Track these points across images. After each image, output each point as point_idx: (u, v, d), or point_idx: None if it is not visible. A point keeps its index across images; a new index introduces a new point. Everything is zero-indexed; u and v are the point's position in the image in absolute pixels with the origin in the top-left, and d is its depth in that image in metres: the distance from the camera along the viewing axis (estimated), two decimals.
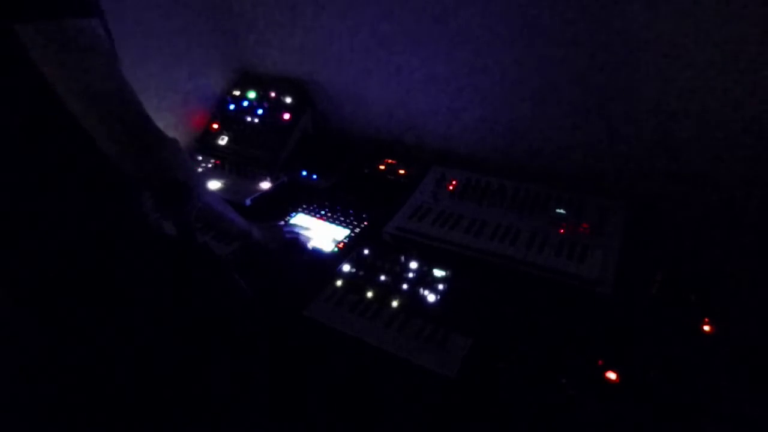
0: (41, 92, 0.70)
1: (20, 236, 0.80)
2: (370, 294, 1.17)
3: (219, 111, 1.92)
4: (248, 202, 1.54)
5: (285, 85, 1.88)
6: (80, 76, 0.70)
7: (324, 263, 1.28)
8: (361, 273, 1.23)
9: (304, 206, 1.53)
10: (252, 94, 1.89)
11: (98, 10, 0.72)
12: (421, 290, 1.16)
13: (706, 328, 1.05)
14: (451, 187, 1.50)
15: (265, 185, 1.63)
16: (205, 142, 1.87)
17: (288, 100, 1.84)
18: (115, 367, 0.95)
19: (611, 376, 0.94)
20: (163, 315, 1.05)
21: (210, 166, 1.76)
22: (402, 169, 1.68)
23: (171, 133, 0.85)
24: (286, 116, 1.81)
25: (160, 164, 0.85)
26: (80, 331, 0.89)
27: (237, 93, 1.93)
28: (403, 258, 1.26)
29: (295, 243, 1.33)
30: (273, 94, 1.87)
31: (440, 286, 1.17)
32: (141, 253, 0.97)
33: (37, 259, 0.82)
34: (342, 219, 1.46)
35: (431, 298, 1.15)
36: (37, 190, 0.79)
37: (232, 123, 1.87)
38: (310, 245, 1.35)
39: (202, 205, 0.97)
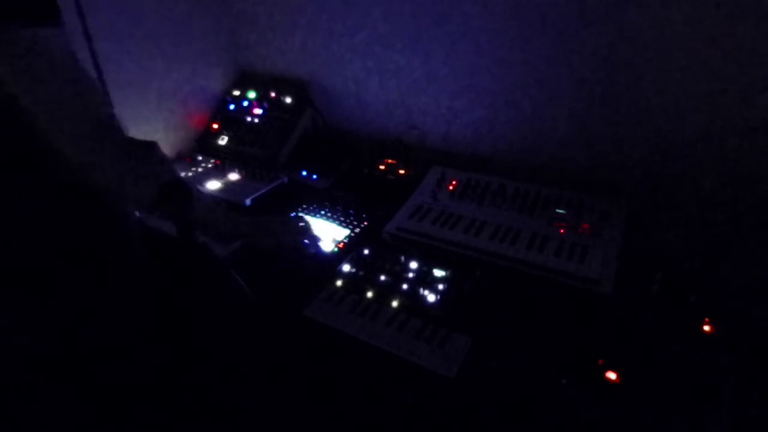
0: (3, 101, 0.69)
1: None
2: (370, 294, 1.17)
3: (219, 111, 1.92)
4: (248, 202, 1.54)
5: (285, 85, 1.88)
6: (45, 86, 0.69)
7: (324, 263, 1.28)
8: (361, 273, 1.23)
9: (304, 206, 1.53)
10: (252, 94, 1.89)
11: (58, 19, 0.70)
12: (421, 290, 1.16)
13: (706, 328, 1.05)
14: (451, 187, 1.50)
15: (265, 185, 1.63)
16: (205, 142, 1.87)
17: (288, 100, 1.84)
18: (113, 368, 0.95)
19: (611, 376, 0.94)
20: (162, 315, 1.05)
21: (210, 166, 1.76)
22: (402, 169, 1.68)
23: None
24: (286, 116, 1.81)
25: (148, 166, 0.84)
26: (72, 331, 0.89)
27: (237, 93, 1.93)
28: (403, 258, 1.26)
29: (301, 245, 1.32)
30: (273, 94, 1.87)
31: (440, 286, 1.17)
32: (131, 254, 0.97)
33: (20, 269, 0.81)
34: (342, 219, 1.46)
35: (431, 298, 1.15)
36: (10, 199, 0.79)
37: (232, 123, 1.87)
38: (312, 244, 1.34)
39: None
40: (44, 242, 0.82)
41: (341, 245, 1.35)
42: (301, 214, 1.45)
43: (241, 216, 1.21)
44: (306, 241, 1.31)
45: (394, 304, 1.14)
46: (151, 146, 1.03)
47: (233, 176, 1.69)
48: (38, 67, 0.69)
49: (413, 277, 1.21)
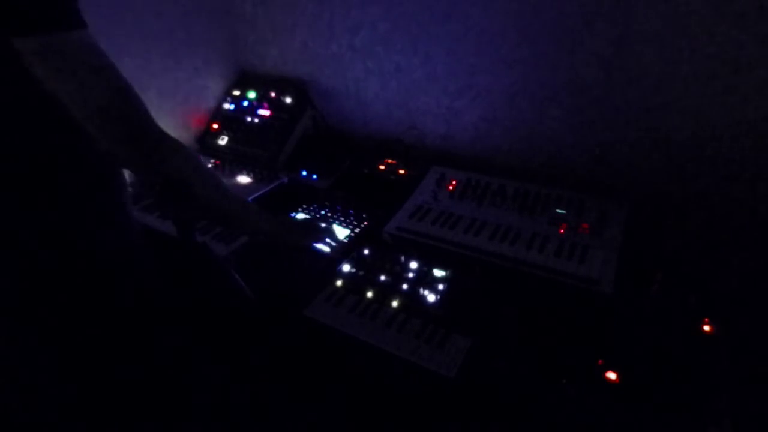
0: (33, 97, 0.70)
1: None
2: (370, 294, 1.17)
3: (219, 111, 1.92)
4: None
5: (285, 85, 1.88)
6: (85, 89, 0.71)
7: (324, 263, 1.28)
8: (361, 273, 1.23)
9: (304, 206, 1.53)
10: (252, 94, 1.89)
11: (83, 21, 0.73)
12: (421, 290, 1.16)
13: (706, 328, 1.05)
14: (451, 187, 1.50)
15: (265, 185, 1.63)
16: (205, 142, 1.87)
17: (288, 100, 1.83)
18: (111, 367, 0.95)
19: (611, 376, 0.94)
20: (161, 315, 1.05)
21: (210, 166, 1.76)
22: (402, 169, 1.68)
23: (171, 133, 0.85)
24: (286, 116, 1.81)
25: (159, 164, 0.85)
26: (70, 331, 0.88)
27: (237, 93, 1.93)
28: (403, 258, 1.26)
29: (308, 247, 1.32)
30: (273, 94, 1.87)
31: (440, 286, 1.17)
32: (131, 252, 0.97)
33: (18, 260, 0.82)
34: (342, 219, 1.46)
35: (431, 298, 1.15)
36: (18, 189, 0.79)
37: (232, 123, 1.86)
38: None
39: (205, 205, 0.97)
40: (45, 239, 0.82)
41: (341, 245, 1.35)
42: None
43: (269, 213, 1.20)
44: (329, 242, 1.32)
45: (394, 304, 1.14)
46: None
47: (233, 176, 1.69)
48: (83, 72, 0.70)
49: (413, 277, 1.21)
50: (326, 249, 1.31)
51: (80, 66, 0.70)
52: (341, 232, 1.39)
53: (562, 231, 1.28)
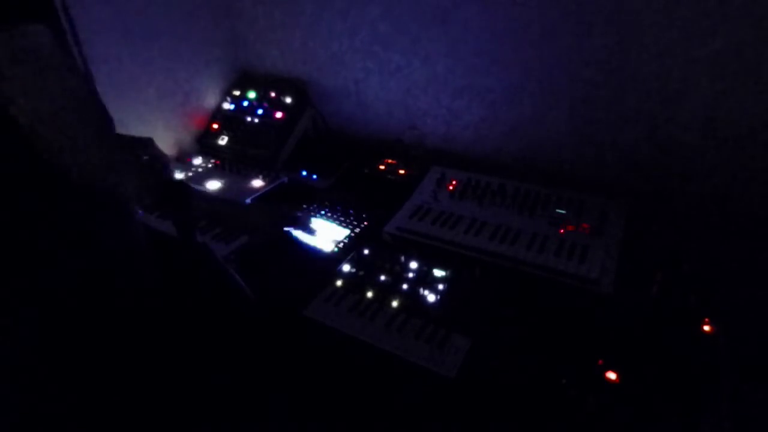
0: None
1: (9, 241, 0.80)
2: (370, 294, 1.17)
3: (219, 111, 1.92)
4: (248, 202, 1.54)
5: (285, 85, 1.88)
6: (38, 89, 0.70)
7: (324, 263, 1.28)
8: (361, 273, 1.23)
9: (304, 206, 1.53)
10: (252, 94, 1.89)
11: (49, 13, 0.71)
12: (421, 290, 1.16)
13: (706, 328, 1.05)
14: (451, 187, 1.50)
15: (265, 185, 1.63)
16: (205, 142, 1.87)
17: (288, 100, 1.83)
18: (113, 367, 0.96)
19: (611, 376, 0.94)
20: (162, 315, 1.05)
21: (210, 166, 1.76)
22: (402, 169, 1.68)
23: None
24: (286, 116, 1.81)
25: (143, 162, 0.84)
26: (70, 330, 0.89)
27: (237, 93, 1.93)
28: (403, 258, 1.26)
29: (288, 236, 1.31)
30: (273, 94, 1.87)
31: (440, 286, 1.17)
32: (134, 254, 0.97)
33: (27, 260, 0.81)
34: (342, 219, 1.46)
35: (431, 298, 1.15)
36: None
37: (232, 123, 1.86)
38: (310, 242, 1.34)
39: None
40: (45, 239, 0.82)
41: (341, 245, 1.35)
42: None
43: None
44: (296, 229, 1.29)
45: (394, 304, 1.14)
46: (147, 142, 1.03)
47: (233, 176, 1.69)
48: (30, 65, 0.68)
49: (413, 277, 1.21)
50: (308, 239, 1.30)
51: (34, 64, 0.69)
52: (341, 232, 1.40)
53: (562, 231, 1.28)
